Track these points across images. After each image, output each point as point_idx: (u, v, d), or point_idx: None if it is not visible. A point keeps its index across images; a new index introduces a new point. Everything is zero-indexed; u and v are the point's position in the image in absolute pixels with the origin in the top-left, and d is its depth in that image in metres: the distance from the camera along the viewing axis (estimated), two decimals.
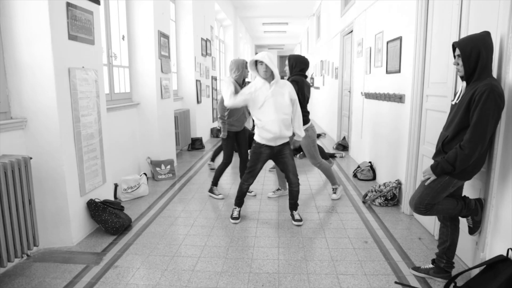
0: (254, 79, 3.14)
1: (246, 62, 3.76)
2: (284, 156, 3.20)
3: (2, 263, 2.22)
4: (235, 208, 3.37)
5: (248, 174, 3.26)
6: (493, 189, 2.10)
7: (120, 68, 4.40)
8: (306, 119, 3.71)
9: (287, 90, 3.10)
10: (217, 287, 2.27)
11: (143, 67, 4.62)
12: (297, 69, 3.78)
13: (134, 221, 3.32)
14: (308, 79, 4.03)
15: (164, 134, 5.00)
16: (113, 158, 3.75)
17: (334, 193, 3.97)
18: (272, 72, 3.03)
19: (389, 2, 4.12)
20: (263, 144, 3.14)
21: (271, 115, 3.01)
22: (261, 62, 3.02)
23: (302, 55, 3.97)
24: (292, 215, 3.31)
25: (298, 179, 3.26)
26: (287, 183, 3.79)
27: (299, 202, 3.37)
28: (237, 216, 3.33)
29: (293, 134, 3.28)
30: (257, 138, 3.17)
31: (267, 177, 4.87)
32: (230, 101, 3.09)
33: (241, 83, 3.76)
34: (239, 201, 3.37)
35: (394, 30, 3.93)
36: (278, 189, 4.09)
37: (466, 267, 2.41)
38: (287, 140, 3.20)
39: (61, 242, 2.80)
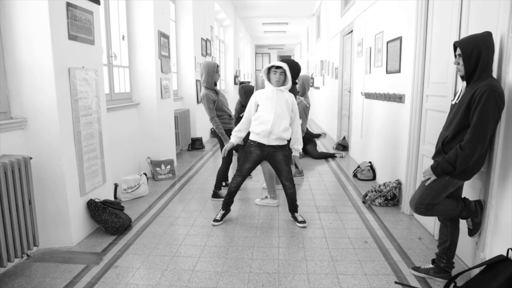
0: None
1: (217, 66, 3.81)
2: (277, 160, 3.16)
3: (2, 263, 2.22)
4: (220, 210, 3.31)
5: (236, 172, 3.25)
6: (493, 189, 2.10)
7: (120, 68, 4.40)
8: None
9: (290, 100, 3.14)
10: (217, 287, 2.27)
11: (143, 67, 4.62)
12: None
13: (134, 221, 3.32)
14: (297, 86, 4.16)
15: (164, 134, 5.00)
16: (113, 158, 3.75)
17: (262, 199, 3.78)
18: (284, 81, 3.10)
19: (389, 2, 4.12)
20: (254, 143, 3.14)
21: (268, 108, 3.05)
22: (275, 72, 3.06)
23: (296, 61, 4.01)
24: (295, 218, 3.26)
25: (292, 183, 3.23)
26: (275, 193, 3.77)
27: (298, 202, 3.36)
28: (219, 218, 3.25)
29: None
30: (250, 135, 3.19)
31: None
32: (239, 126, 3.25)
33: (212, 87, 3.78)
34: (227, 200, 3.28)
35: (394, 30, 3.93)
36: (266, 197, 3.80)
37: (466, 267, 2.41)
38: (281, 143, 3.13)
39: (61, 242, 2.80)
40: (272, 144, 3.10)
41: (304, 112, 5.13)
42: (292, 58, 25.72)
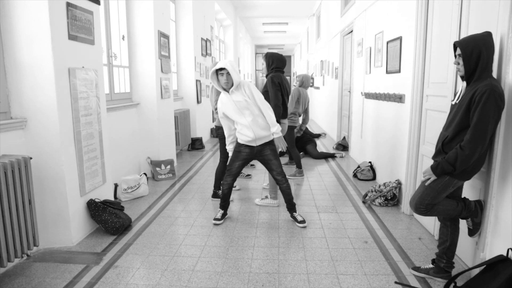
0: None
1: None
2: (265, 155, 3.18)
3: (2, 263, 2.22)
4: (219, 210, 3.34)
5: (226, 173, 3.27)
6: (493, 189, 2.10)
7: (120, 68, 4.40)
8: (284, 114, 3.90)
9: (244, 89, 3.03)
10: (217, 287, 2.27)
11: (143, 67, 4.62)
12: (273, 66, 3.92)
13: (134, 221, 3.32)
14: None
15: (164, 134, 5.00)
16: (113, 158, 3.75)
17: (262, 199, 3.78)
18: (233, 81, 2.99)
19: (389, 2, 4.12)
20: (243, 144, 3.17)
21: (241, 120, 3.06)
22: (222, 73, 2.98)
23: (279, 53, 4.10)
24: (294, 218, 3.25)
25: (284, 177, 3.22)
26: (276, 194, 3.75)
27: (298, 202, 3.35)
28: (219, 217, 3.27)
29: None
30: (238, 140, 3.22)
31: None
32: (228, 139, 3.30)
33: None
34: (223, 203, 3.32)
35: (394, 30, 3.93)
36: (266, 197, 3.78)
37: (466, 267, 2.41)
38: (268, 139, 3.17)
39: (61, 242, 2.80)
40: (260, 143, 3.15)
41: (296, 95, 4.98)
42: (292, 58, 25.80)
